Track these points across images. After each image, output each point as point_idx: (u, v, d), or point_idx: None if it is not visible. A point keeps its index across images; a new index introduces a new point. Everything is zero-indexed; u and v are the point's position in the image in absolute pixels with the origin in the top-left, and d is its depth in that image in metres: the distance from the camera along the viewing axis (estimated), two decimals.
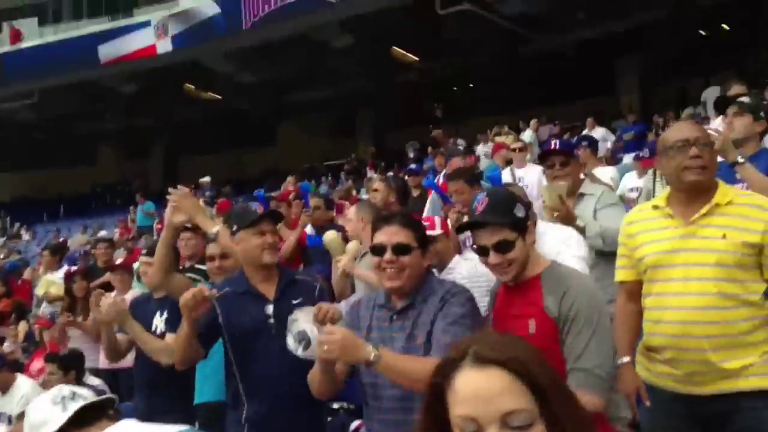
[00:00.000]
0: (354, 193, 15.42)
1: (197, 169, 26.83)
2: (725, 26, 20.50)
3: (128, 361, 4.34)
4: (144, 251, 4.14)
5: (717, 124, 5.51)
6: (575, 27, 19.16)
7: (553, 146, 3.80)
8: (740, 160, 3.31)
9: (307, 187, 6.38)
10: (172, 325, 3.75)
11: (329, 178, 21.49)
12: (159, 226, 18.10)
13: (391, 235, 2.47)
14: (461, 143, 17.87)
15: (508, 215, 2.28)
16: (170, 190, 3.41)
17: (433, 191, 6.07)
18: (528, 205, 2.50)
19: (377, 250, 2.48)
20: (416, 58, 23.66)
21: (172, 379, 3.68)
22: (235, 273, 3.30)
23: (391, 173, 16.92)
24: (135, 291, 5.60)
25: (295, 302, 3.00)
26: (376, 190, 5.51)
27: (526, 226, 2.33)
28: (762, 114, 3.70)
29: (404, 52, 24.04)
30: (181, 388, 3.71)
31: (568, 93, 21.50)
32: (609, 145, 13.47)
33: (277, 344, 2.92)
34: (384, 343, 2.42)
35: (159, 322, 3.90)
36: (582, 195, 3.74)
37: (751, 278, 2.42)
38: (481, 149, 15.40)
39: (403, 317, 2.48)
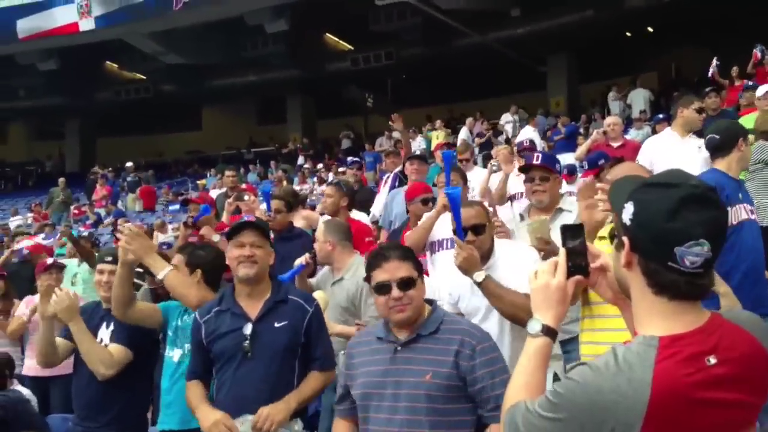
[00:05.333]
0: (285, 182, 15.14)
1: (116, 151, 25.87)
2: (650, 28, 21.22)
3: (63, 367, 3.98)
4: (108, 258, 3.76)
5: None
6: (509, 24, 19.36)
7: (535, 160, 3.77)
8: None
9: (268, 189, 6.05)
10: (118, 336, 3.51)
11: (258, 165, 21.04)
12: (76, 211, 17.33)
13: (393, 270, 2.44)
14: (397, 135, 17.81)
15: None
16: (120, 228, 3.22)
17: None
18: None
19: (382, 288, 2.44)
20: (350, 47, 23.40)
21: (113, 402, 3.45)
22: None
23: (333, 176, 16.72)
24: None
25: (278, 325, 2.86)
26: (330, 196, 5.40)
27: None
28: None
29: (337, 40, 23.74)
30: (123, 413, 3.47)
31: (498, 88, 21.82)
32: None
33: (248, 368, 2.83)
34: (388, 377, 2.39)
35: (105, 334, 3.58)
36: (560, 210, 3.72)
37: None
38: (416, 145, 15.38)
39: (408, 350, 2.42)
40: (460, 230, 3.08)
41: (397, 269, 2.43)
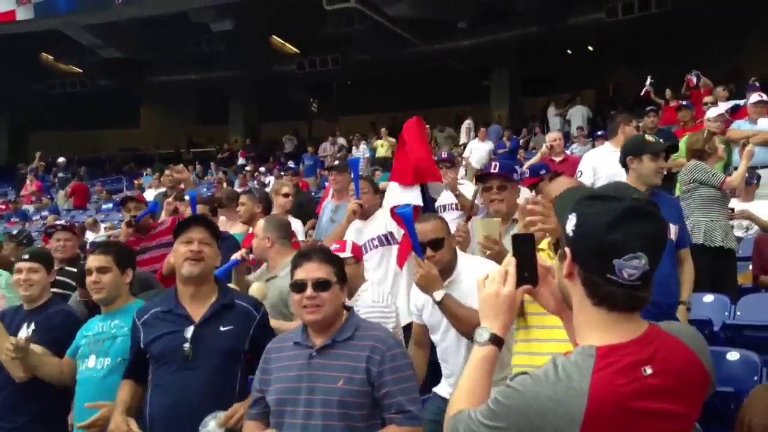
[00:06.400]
0: (225, 184, 14.89)
1: (49, 146, 24.92)
2: (590, 47, 21.81)
3: None
4: (25, 255, 3.55)
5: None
6: (455, 36, 19.57)
7: (492, 168, 3.63)
8: None
9: (194, 194, 5.94)
10: (39, 336, 3.33)
11: (197, 166, 20.64)
12: None
13: (311, 271, 2.47)
14: (342, 141, 17.80)
15: None
16: (6, 346, 3.11)
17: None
18: None
19: (297, 286, 2.47)
20: (296, 50, 23.23)
21: (31, 403, 3.33)
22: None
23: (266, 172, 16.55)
24: None
25: (223, 329, 2.78)
26: (243, 204, 5.40)
27: None
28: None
29: (284, 43, 23.54)
30: (42, 416, 3.34)
31: (442, 98, 22.00)
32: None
33: (188, 372, 2.72)
34: (302, 383, 2.38)
35: (24, 333, 3.36)
36: (516, 221, 3.63)
37: None
38: (359, 152, 15.38)
39: (323, 356, 2.43)
40: (417, 247, 2.99)
41: (316, 270, 2.46)
